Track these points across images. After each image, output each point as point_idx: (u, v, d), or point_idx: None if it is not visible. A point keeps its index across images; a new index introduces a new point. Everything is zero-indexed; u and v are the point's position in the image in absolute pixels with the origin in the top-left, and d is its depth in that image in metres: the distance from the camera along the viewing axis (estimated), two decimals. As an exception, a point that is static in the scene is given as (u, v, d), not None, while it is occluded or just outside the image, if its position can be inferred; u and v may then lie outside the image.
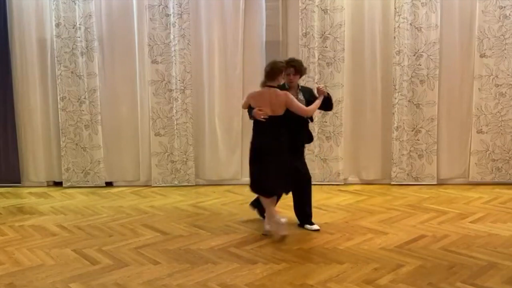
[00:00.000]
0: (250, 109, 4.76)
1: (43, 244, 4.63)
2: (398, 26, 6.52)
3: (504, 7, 6.41)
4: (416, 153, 6.71)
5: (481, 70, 6.54)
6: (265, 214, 4.85)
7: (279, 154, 4.63)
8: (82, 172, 6.91)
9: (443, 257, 4.14)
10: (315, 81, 6.61)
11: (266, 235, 4.73)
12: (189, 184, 6.89)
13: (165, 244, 4.58)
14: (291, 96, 4.65)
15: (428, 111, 6.62)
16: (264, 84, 4.68)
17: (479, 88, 6.58)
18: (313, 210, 5.12)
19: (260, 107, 4.61)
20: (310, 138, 5.10)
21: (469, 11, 6.53)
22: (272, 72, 4.64)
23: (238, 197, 6.27)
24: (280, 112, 4.61)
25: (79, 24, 6.64)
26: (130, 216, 5.52)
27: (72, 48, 6.69)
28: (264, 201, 4.77)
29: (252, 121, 4.78)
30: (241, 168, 6.93)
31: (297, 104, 4.66)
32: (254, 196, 5.07)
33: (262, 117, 4.58)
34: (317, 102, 4.80)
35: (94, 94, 6.79)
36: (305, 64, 5.09)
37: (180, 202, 6.09)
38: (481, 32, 6.47)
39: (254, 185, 4.74)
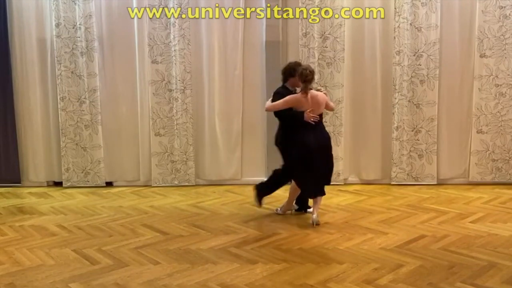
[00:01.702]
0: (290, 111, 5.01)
1: (43, 244, 4.63)
2: (398, 26, 6.53)
3: (504, 7, 6.42)
4: (416, 153, 6.71)
5: (481, 70, 6.55)
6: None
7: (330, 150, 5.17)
8: (82, 172, 6.91)
9: (443, 257, 4.14)
10: (315, 81, 6.60)
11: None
12: (189, 184, 6.89)
13: (165, 244, 4.58)
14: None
15: (428, 111, 6.63)
16: (308, 88, 4.96)
17: (479, 88, 6.58)
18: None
19: (311, 109, 4.92)
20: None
21: (469, 11, 6.53)
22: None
23: (238, 197, 6.27)
24: (322, 111, 5.10)
25: (79, 24, 6.64)
26: (130, 216, 5.52)
27: (72, 48, 6.68)
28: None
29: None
30: (241, 168, 6.93)
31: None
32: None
33: (312, 119, 4.90)
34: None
35: (94, 94, 6.78)
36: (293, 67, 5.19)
37: (180, 202, 6.09)
38: (481, 32, 6.47)
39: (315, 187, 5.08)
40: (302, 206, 5.46)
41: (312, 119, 4.88)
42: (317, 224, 4.98)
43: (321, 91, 5.13)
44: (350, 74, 6.72)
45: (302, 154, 4.94)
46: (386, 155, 6.81)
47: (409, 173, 6.73)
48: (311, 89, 5.00)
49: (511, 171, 6.70)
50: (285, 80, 5.21)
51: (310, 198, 5.26)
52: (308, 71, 4.91)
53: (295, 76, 5.04)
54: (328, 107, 5.20)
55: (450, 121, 6.72)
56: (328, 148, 5.11)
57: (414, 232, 4.78)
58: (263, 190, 5.55)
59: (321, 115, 5.06)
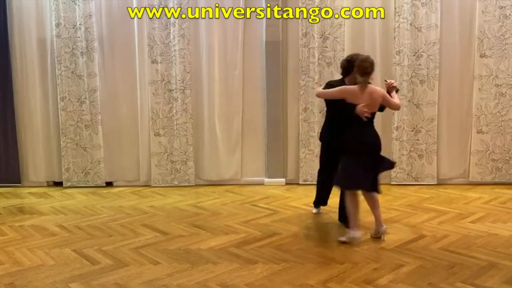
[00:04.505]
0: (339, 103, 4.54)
1: (43, 244, 4.63)
2: (398, 26, 6.52)
3: (504, 7, 6.42)
4: (416, 153, 6.71)
5: (481, 70, 6.55)
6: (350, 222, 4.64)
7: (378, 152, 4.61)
8: (82, 172, 6.91)
9: (443, 257, 4.14)
10: (315, 81, 6.61)
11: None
12: (189, 184, 6.89)
13: (165, 244, 4.58)
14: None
15: (428, 111, 6.63)
16: (365, 81, 4.44)
17: (479, 88, 6.58)
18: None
19: (362, 103, 4.42)
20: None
21: (469, 11, 6.53)
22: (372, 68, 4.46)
23: (238, 197, 6.27)
24: (377, 109, 4.55)
25: (79, 24, 6.64)
26: (130, 216, 5.52)
27: (72, 48, 6.68)
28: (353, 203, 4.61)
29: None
30: (241, 168, 6.93)
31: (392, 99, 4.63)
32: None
33: (365, 115, 4.42)
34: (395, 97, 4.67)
35: (94, 94, 6.78)
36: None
37: (180, 202, 6.09)
38: (481, 32, 6.47)
39: (349, 180, 4.52)
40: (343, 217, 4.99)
41: (365, 115, 4.41)
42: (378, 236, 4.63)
43: (392, 84, 4.65)
44: (350, 74, 6.71)
45: (353, 149, 4.49)
46: (386, 155, 6.78)
47: (409, 173, 6.73)
48: (370, 83, 4.49)
49: (511, 171, 6.69)
50: (345, 73, 4.81)
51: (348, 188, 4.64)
52: (368, 62, 4.40)
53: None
54: (390, 104, 4.60)
55: (450, 121, 6.72)
56: (376, 149, 4.61)
57: (414, 232, 4.78)
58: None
59: (373, 114, 4.55)
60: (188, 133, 6.83)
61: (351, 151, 4.47)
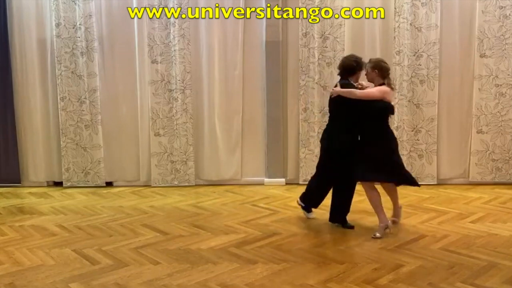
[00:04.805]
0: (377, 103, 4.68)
1: (43, 244, 4.63)
2: (398, 26, 6.53)
3: (504, 7, 6.42)
4: (416, 153, 6.71)
5: (481, 70, 6.55)
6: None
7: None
8: (82, 172, 6.91)
9: (443, 257, 4.14)
10: (315, 81, 6.62)
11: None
12: (189, 184, 6.89)
13: (165, 244, 4.58)
14: None
15: (428, 111, 6.63)
16: (390, 82, 4.80)
17: (479, 88, 6.59)
18: (314, 210, 5.33)
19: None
20: None
21: (469, 11, 6.53)
22: None
23: (238, 197, 6.28)
24: None
25: (79, 24, 6.64)
26: (130, 216, 5.52)
27: (72, 48, 6.68)
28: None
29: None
30: (241, 168, 6.93)
31: None
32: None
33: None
34: None
35: (94, 94, 6.78)
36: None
37: (180, 202, 6.09)
38: (481, 32, 6.48)
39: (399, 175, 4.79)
40: (342, 219, 5.02)
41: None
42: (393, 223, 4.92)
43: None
44: (350, 74, 6.70)
45: (393, 147, 4.75)
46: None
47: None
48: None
49: (511, 171, 6.70)
50: (350, 73, 4.86)
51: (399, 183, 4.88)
52: (388, 64, 4.78)
53: (361, 70, 4.83)
54: None
55: (450, 121, 6.73)
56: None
57: (414, 232, 4.78)
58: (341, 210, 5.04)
59: None
60: (188, 133, 6.82)
61: (393, 147, 4.76)
